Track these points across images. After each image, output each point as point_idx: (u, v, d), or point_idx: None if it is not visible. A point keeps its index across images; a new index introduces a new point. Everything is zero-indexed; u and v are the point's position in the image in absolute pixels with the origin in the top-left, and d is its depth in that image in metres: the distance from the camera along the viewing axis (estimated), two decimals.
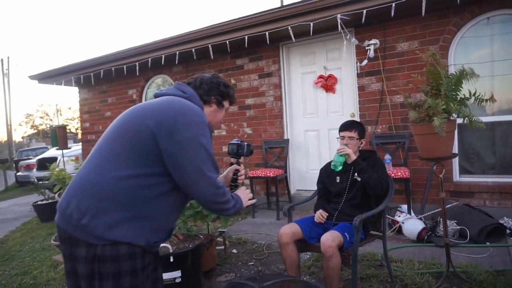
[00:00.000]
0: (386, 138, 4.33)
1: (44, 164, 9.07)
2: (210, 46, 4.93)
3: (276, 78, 5.15)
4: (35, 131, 35.24)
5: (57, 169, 3.28)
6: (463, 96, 2.46)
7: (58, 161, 8.63)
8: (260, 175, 4.74)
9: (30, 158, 13.74)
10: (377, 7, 3.82)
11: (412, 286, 2.55)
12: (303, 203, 2.81)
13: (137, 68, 5.74)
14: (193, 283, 2.67)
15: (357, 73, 4.50)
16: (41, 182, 6.88)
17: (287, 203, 4.97)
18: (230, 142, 1.76)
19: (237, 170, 1.70)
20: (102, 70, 6.13)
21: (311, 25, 4.20)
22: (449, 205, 3.81)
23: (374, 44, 4.26)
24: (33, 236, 5.39)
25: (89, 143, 7.46)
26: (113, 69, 6.02)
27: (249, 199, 1.65)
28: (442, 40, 3.98)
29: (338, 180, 2.59)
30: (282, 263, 3.25)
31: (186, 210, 2.92)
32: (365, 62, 4.33)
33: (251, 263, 3.32)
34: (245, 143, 1.73)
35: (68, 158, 8.20)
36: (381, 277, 2.76)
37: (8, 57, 19.03)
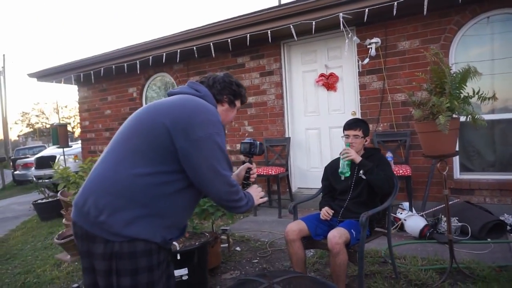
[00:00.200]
0: (387, 136, 4.36)
1: (43, 162, 9.05)
2: (211, 44, 4.94)
3: (277, 76, 5.17)
4: (31, 129, 35.04)
5: (60, 167, 3.27)
6: (466, 94, 2.49)
7: (57, 159, 8.60)
8: (262, 173, 4.76)
9: (28, 157, 13.67)
10: (379, 5, 3.85)
11: (417, 282, 2.58)
12: (308, 200, 2.83)
13: (138, 66, 5.73)
14: (199, 280, 2.68)
15: (359, 72, 4.52)
16: (41, 181, 6.87)
17: (289, 201, 5.00)
18: (243, 141, 1.78)
19: (250, 169, 1.72)
20: (102, 68, 6.11)
21: (313, 23, 4.22)
22: (450, 202, 3.84)
23: (376, 42, 4.29)
24: (34, 235, 5.38)
25: (89, 142, 7.45)
26: (113, 67, 6.00)
27: (261, 197, 1.68)
28: (443, 39, 4.02)
29: (343, 178, 2.61)
30: (287, 260, 3.30)
31: None
32: (366, 60, 4.36)
33: (255, 261, 3.34)
34: (258, 142, 1.75)
35: (67, 157, 8.18)
36: (385, 273, 2.79)
37: (3, 55, 18.95)
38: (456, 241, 3.26)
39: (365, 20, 4.07)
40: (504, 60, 3.91)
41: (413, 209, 3.95)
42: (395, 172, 3.81)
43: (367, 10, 3.91)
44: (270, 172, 4.72)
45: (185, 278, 2.53)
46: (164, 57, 5.42)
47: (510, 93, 4.03)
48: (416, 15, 4.05)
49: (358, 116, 4.65)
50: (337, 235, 2.17)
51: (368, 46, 4.34)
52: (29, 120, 33.66)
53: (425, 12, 3.72)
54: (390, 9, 3.85)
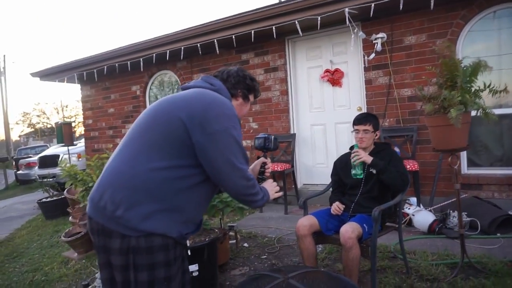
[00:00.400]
0: (394, 131, 4.34)
1: (46, 162, 9.05)
2: (215, 40, 4.92)
3: (282, 72, 5.15)
4: (32, 129, 35.08)
5: (67, 165, 3.26)
6: (477, 88, 2.47)
7: (60, 158, 8.59)
8: None
9: (30, 157, 13.69)
10: (385, 0, 3.82)
11: (428, 277, 2.57)
12: (318, 195, 2.82)
13: (141, 64, 5.71)
14: (209, 276, 2.68)
15: (364, 67, 4.50)
16: (45, 180, 6.87)
17: (295, 197, 4.99)
18: (257, 136, 1.76)
19: (264, 163, 1.71)
20: (105, 67, 6.10)
21: (319, 19, 4.20)
22: None
23: (382, 37, 4.27)
24: (40, 234, 5.39)
25: (92, 140, 7.45)
26: (116, 65, 5.99)
27: (276, 192, 1.67)
28: (450, 34, 3.99)
29: (351, 171, 2.59)
30: (295, 256, 3.29)
31: None
32: (372, 55, 4.34)
33: (264, 257, 3.33)
34: (272, 137, 1.73)
35: (71, 155, 8.17)
36: (396, 268, 2.78)
37: (4, 55, 18.95)
38: (466, 236, 3.25)
39: (371, 15, 4.05)
40: (510, 55, 3.89)
41: (420, 204, 3.93)
42: None
43: (373, 5, 3.89)
44: (275, 169, 4.70)
45: (195, 274, 2.52)
46: (167, 54, 5.40)
47: None
48: (422, 9, 4.03)
49: (364, 111, 4.63)
50: (349, 230, 2.16)
51: (374, 41, 4.32)
52: (30, 120, 33.71)
53: (431, 7, 3.70)
54: (396, 4, 3.83)
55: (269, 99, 5.27)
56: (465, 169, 4.17)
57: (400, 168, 2.42)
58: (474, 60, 2.47)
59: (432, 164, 4.14)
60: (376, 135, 2.59)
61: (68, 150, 6.89)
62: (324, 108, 5.08)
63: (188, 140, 1.31)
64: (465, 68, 2.46)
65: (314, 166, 5.22)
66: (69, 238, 3.87)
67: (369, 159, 2.41)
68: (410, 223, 3.67)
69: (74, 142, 7.98)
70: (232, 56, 5.47)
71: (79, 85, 7.54)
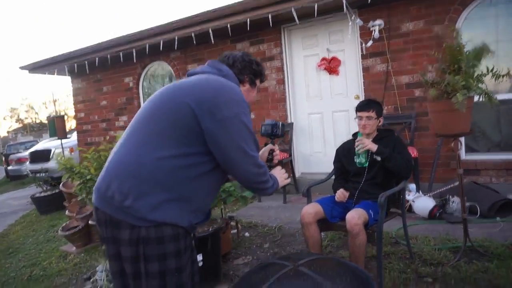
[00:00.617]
0: (392, 118, 4.34)
1: (37, 156, 8.89)
2: (210, 30, 4.83)
3: (278, 61, 5.09)
4: (20, 125, 34.50)
5: (63, 157, 3.19)
6: (480, 73, 2.46)
7: (52, 152, 8.46)
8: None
9: (20, 152, 13.44)
10: None
11: (432, 261, 2.58)
12: (321, 183, 2.80)
13: (134, 54, 5.60)
14: (213, 266, 2.66)
15: (362, 54, 4.47)
16: (38, 175, 6.75)
17: (293, 186, 4.98)
18: (263, 123, 1.73)
19: (272, 150, 1.68)
20: (97, 58, 5.96)
21: (315, 6, 4.14)
22: (457, 183, 3.84)
23: (379, 24, 4.23)
24: (35, 229, 5.31)
25: (85, 133, 7.32)
26: (108, 56, 5.86)
27: (285, 179, 1.64)
28: (448, 20, 3.97)
29: (355, 160, 2.58)
30: (297, 244, 3.29)
31: None
32: (370, 43, 4.30)
33: (266, 246, 3.32)
34: (280, 123, 1.70)
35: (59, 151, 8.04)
36: (399, 253, 2.79)
37: None
38: (467, 221, 3.28)
39: (368, 2, 4.00)
40: (508, 42, 3.88)
41: (419, 190, 3.95)
42: None
43: None
44: None
45: (200, 264, 2.49)
46: (161, 44, 5.29)
47: None
48: None
49: (362, 99, 4.61)
50: (356, 216, 2.15)
51: (371, 29, 4.28)
52: (18, 116, 33.11)
53: None
54: None
55: (265, 89, 5.22)
56: (463, 155, 4.19)
57: (405, 154, 2.41)
58: (475, 45, 2.45)
59: (430, 151, 4.16)
60: (379, 122, 2.57)
61: (62, 143, 6.76)
62: (321, 97, 5.05)
63: (197, 127, 1.26)
64: (467, 53, 2.44)
65: (312, 154, 5.20)
66: (67, 232, 3.82)
67: (374, 147, 2.39)
68: (410, 209, 3.68)
69: (68, 136, 7.84)
70: (227, 45, 5.39)
71: (69, 77, 7.39)
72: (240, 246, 3.35)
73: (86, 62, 6.18)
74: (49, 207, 6.04)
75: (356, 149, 2.43)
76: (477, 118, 4.15)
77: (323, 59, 4.91)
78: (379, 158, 2.44)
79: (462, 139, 4.17)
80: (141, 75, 6.44)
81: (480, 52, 2.41)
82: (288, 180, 1.69)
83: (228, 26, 4.71)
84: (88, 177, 2.97)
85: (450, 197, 3.67)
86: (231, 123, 1.28)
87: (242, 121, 1.31)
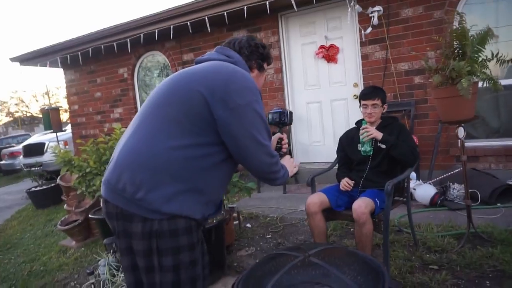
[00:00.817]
0: (391, 106, 4.29)
1: (31, 150, 8.76)
2: (206, 18, 4.73)
3: (275, 50, 5.02)
4: (11, 119, 33.95)
5: (61, 150, 3.12)
6: (485, 57, 2.43)
7: (46, 146, 8.34)
8: None
9: (13, 146, 13.24)
10: None
11: (436, 248, 2.59)
12: (325, 172, 2.77)
13: (129, 45, 5.48)
14: (218, 258, 2.64)
15: (361, 42, 4.42)
16: (33, 169, 6.66)
17: (292, 176, 4.96)
18: (271, 111, 1.68)
19: (281, 139, 1.64)
20: (90, 49, 5.84)
21: None
22: (457, 170, 3.86)
23: (378, 11, 4.18)
24: (32, 223, 5.25)
25: (80, 126, 7.22)
26: (102, 47, 5.74)
27: (294, 167, 1.61)
28: (448, 5, 3.93)
29: (360, 148, 2.55)
30: (300, 234, 3.28)
31: None
32: (369, 29, 4.25)
33: (269, 236, 3.31)
34: (288, 111, 1.66)
35: (56, 143, 7.92)
36: (403, 241, 2.79)
37: None
38: (464, 207, 3.29)
39: None
40: (508, 27, 3.85)
41: (419, 178, 3.96)
42: None
43: None
44: None
45: None
46: (156, 34, 5.19)
47: None
48: None
49: (361, 87, 4.58)
50: (362, 205, 2.13)
51: (370, 15, 4.22)
52: (8, 109, 32.57)
53: None
54: None
55: None
56: None
57: (410, 142, 2.39)
58: (476, 31, 2.41)
59: (430, 138, 4.15)
60: (384, 109, 2.54)
61: (57, 136, 6.65)
62: (319, 85, 5.00)
63: (210, 116, 1.22)
64: (472, 38, 2.41)
65: (311, 144, 5.18)
66: (66, 227, 3.77)
67: (379, 135, 2.36)
68: (411, 197, 3.68)
69: (64, 128, 7.72)
70: (223, 34, 5.29)
71: (61, 69, 7.24)
72: (243, 237, 3.34)
73: (79, 53, 6.05)
74: (45, 201, 5.97)
75: (361, 137, 2.40)
76: (476, 104, 4.15)
77: (321, 47, 4.85)
78: (383, 146, 2.41)
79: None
80: (136, 66, 6.33)
81: (485, 36, 2.38)
82: (297, 169, 1.66)
83: (225, 14, 4.62)
84: (87, 170, 2.91)
85: (451, 184, 3.68)
86: (244, 112, 1.24)
87: (255, 109, 1.27)
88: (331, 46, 4.79)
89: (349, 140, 2.65)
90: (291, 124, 1.70)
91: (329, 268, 1.58)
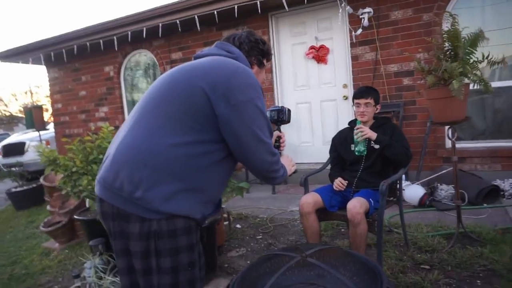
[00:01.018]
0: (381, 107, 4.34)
1: (11, 150, 8.47)
2: (196, 16, 4.68)
3: None
4: None
5: (46, 149, 3.01)
6: (476, 59, 2.46)
7: (27, 145, 8.08)
8: None
9: None
10: None
11: (427, 248, 2.60)
12: (318, 172, 2.75)
13: (116, 42, 5.37)
14: (209, 259, 2.58)
15: (351, 43, 4.44)
16: (14, 169, 6.43)
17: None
18: (269, 108, 1.65)
19: (279, 137, 1.61)
20: (75, 46, 5.69)
21: None
22: (444, 171, 3.92)
23: (368, 12, 4.21)
24: (12, 225, 5.06)
25: (63, 125, 7.03)
26: (88, 44, 5.60)
27: (292, 166, 1.58)
28: (436, 8, 3.98)
29: (353, 149, 2.55)
30: (291, 235, 3.26)
31: None
32: (359, 31, 4.28)
33: (259, 237, 3.28)
34: (287, 108, 1.63)
35: (38, 143, 7.69)
36: (393, 241, 2.80)
37: None
38: (454, 208, 3.34)
39: None
40: (495, 32, 3.93)
41: (408, 179, 4.00)
42: None
43: None
44: None
45: None
46: (144, 32, 5.09)
47: None
48: None
49: (350, 88, 4.61)
50: (357, 205, 2.12)
51: (360, 16, 4.25)
52: None
53: None
54: None
55: None
56: (449, 143, 4.26)
57: (403, 142, 2.39)
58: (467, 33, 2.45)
59: (418, 139, 4.20)
60: (377, 109, 2.54)
61: (40, 135, 6.45)
62: (309, 86, 5.00)
63: (211, 113, 1.18)
64: (464, 40, 2.44)
65: (300, 145, 5.18)
66: (49, 228, 3.64)
67: (373, 135, 2.36)
68: None
69: (47, 127, 7.50)
70: (213, 33, 5.24)
71: (44, 67, 7.04)
72: (233, 238, 3.29)
73: (63, 50, 5.89)
74: (26, 202, 5.78)
75: (355, 137, 2.39)
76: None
77: (311, 47, 4.86)
78: (377, 146, 2.41)
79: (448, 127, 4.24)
80: (123, 64, 6.20)
81: (476, 38, 2.41)
82: (295, 168, 1.63)
83: (215, 12, 4.57)
84: (74, 169, 2.81)
85: (438, 185, 3.73)
86: (246, 108, 1.20)
87: (257, 106, 1.23)
88: (321, 46, 4.80)
89: (342, 140, 2.65)
90: (289, 122, 1.67)
91: (326, 269, 1.56)
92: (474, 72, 2.38)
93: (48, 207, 4.13)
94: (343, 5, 4.13)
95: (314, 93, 4.97)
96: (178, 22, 4.83)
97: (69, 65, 6.59)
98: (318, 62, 4.87)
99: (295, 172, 1.68)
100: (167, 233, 1.14)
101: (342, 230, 3.23)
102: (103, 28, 5.43)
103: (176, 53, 5.59)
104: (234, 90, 1.19)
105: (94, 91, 6.50)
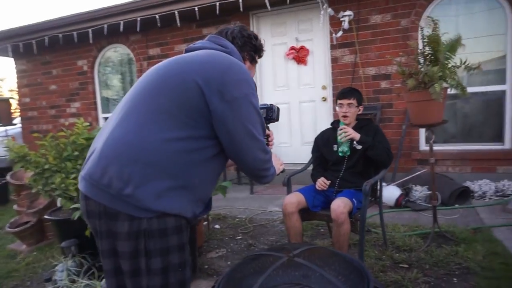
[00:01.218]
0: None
1: None
2: (176, 12, 4.58)
3: None
4: None
5: (15, 144, 2.84)
6: (454, 64, 2.55)
7: None
8: None
9: None
10: None
11: (404, 247, 2.66)
12: (301, 172, 2.75)
13: (91, 35, 5.17)
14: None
15: (331, 45, 4.49)
16: None
17: None
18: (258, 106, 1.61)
19: (267, 135, 1.58)
20: (47, 37, 5.43)
21: None
22: (418, 172, 4.04)
23: (349, 15, 4.27)
24: None
25: (31, 120, 6.69)
26: (60, 36, 5.36)
27: (280, 165, 1.57)
28: (414, 14, 4.10)
29: (335, 149, 2.56)
30: (271, 235, 3.25)
31: None
32: (340, 33, 4.33)
33: (239, 237, 3.24)
34: (276, 107, 1.60)
35: (2, 139, 7.29)
36: (372, 241, 2.85)
37: None
38: (427, 208, 3.45)
39: None
40: (467, 40, 4.09)
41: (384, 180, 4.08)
42: None
43: None
44: None
45: None
46: (121, 25, 4.93)
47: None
48: None
49: (330, 90, 4.67)
50: (341, 205, 2.13)
51: (341, 19, 4.31)
52: None
53: None
54: None
55: None
56: (422, 146, 4.40)
57: (385, 143, 2.43)
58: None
59: (394, 142, 4.29)
60: (359, 110, 2.57)
61: (6, 131, 6.10)
62: (288, 87, 5.02)
63: (205, 108, 1.13)
64: (443, 45, 2.51)
65: (278, 146, 5.17)
66: (16, 229, 3.44)
67: (357, 136, 2.38)
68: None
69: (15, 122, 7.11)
70: (193, 30, 5.16)
71: (12, 59, 6.68)
72: (212, 239, 3.24)
73: (33, 41, 5.61)
74: None
75: (339, 137, 2.41)
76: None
77: (292, 48, 4.88)
78: (359, 147, 2.44)
79: (422, 131, 4.38)
80: (97, 58, 5.98)
81: (455, 44, 2.49)
82: (283, 167, 1.61)
83: (196, 9, 4.50)
84: (46, 166, 2.67)
85: (413, 186, 3.84)
86: (240, 104, 1.17)
87: (252, 103, 1.20)
88: (302, 48, 4.83)
89: (325, 141, 2.66)
90: (278, 120, 1.65)
91: (314, 269, 1.55)
92: (453, 76, 2.46)
93: (15, 207, 3.90)
94: (324, 7, 4.18)
95: (293, 93, 4.99)
96: (157, 17, 4.72)
97: (39, 57, 6.28)
98: (298, 63, 4.89)
99: (282, 171, 1.66)
100: (158, 232, 1.09)
101: (321, 230, 3.25)
102: (78, 19, 5.21)
103: (154, 49, 5.46)
104: (229, 85, 1.16)
105: (66, 86, 6.23)
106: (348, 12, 4.26)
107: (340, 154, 2.44)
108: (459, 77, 2.55)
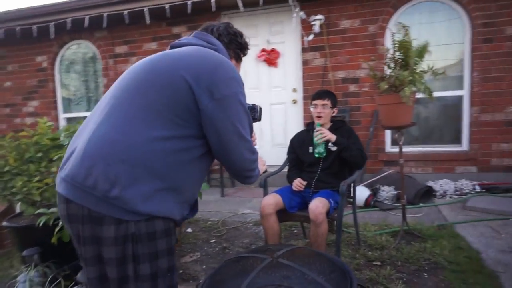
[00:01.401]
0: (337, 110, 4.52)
1: None
2: (146, 9, 4.45)
3: None
4: None
5: None
6: (422, 69, 2.67)
7: None
8: None
9: None
10: None
11: (376, 245, 2.75)
12: (276, 173, 2.76)
13: (52, 30, 4.89)
14: None
15: (303, 48, 4.56)
16: None
17: (229, 180, 4.90)
18: None
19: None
20: (3, 30, 5.06)
21: None
22: (385, 173, 4.20)
23: (320, 19, 4.36)
24: None
25: None
26: (17, 29, 5.02)
27: (263, 165, 1.56)
28: (381, 20, 4.26)
29: (311, 151, 2.60)
30: (245, 237, 3.23)
31: None
32: (311, 36, 4.41)
33: (213, 241, 3.19)
34: (259, 106, 1.59)
35: None
36: (345, 241, 2.91)
37: None
38: (396, 208, 3.59)
39: None
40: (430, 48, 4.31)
41: None
42: None
43: None
44: None
45: None
46: (86, 21, 4.71)
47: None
48: None
49: (300, 92, 4.73)
50: (320, 205, 2.16)
51: (312, 23, 4.39)
52: None
53: None
54: None
55: None
56: (388, 148, 4.58)
57: (358, 145, 2.50)
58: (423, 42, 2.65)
59: (362, 143, 4.43)
60: (334, 112, 2.62)
61: None
62: (259, 89, 5.03)
63: (194, 106, 1.10)
64: (413, 50, 2.63)
65: None
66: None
67: (333, 137, 2.43)
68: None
69: None
70: (162, 28, 5.03)
71: None
72: (185, 243, 3.16)
73: None
74: None
75: (315, 139, 2.44)
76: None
77: (263, 50, 4.90)
78: (334, 148, 2.49)
79: (388, 133, 4.56)
80: (58, 55, 5.66)
81: (423, 50, 2.61)
82: (265, 167, 1.61)
83: (167, 7, 4.39)
84: (6, 169, 2.48)
85: (380, 186, 3.98)
86: (230, 103, 1.15)
87: (240, 102, 1.18)
88: (273, 50, 4.86)
89: (300, 142, 2.69)
90: (260, 120, 1.63)
91: (299, 269, 1.55)
92: (421, 81, 2.58)
93: None
94: (297, 10, 4.23)
95: (263, 96, 5.01)
96: (125, 13, 4.55)
97: None
98: (269, 65, 4.92)
99: (265, 171, 1.65)
100: (146, 236, 1.04)
101: (295, 231, 3.28)
102: (39, 12, 4.90)
103: (121, 46, 5.26)
104: (218, 83, 1.13)
105: (23, 83, 5.84)
106: (319, 16, 4.35)
107: (316, 155, 2.47)
108: (426, 82, 2.68)
